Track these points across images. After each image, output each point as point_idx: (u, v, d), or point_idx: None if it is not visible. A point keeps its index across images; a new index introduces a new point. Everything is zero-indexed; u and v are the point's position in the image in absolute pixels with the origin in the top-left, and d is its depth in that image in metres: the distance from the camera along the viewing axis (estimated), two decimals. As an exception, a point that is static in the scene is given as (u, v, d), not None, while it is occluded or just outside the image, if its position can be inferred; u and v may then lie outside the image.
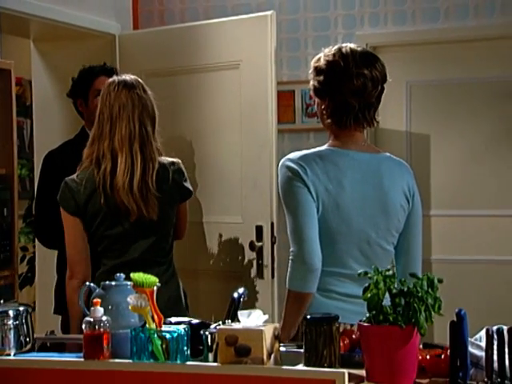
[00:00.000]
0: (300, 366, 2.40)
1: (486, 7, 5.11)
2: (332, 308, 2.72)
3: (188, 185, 3.49)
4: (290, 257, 2.90)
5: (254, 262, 4.41)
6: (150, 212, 3.29)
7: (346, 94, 2.91)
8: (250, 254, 4.44)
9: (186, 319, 2.68)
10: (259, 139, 4.50)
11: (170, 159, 3.43)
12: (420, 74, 5.31)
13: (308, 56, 5.43)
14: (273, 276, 4.37)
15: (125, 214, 3.31)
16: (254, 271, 4.42)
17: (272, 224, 4.44)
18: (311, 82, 3.02)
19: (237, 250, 4.50)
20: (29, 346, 2.61)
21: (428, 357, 2.37)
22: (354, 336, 2.63)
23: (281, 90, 5.47)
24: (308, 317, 2.44)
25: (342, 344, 2.59)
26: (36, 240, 4.72)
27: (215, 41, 4.71)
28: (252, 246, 4.43)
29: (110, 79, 3.40)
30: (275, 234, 4.43)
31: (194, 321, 2.67)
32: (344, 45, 3.00)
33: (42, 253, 5.00)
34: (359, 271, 2.41)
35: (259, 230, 4.43)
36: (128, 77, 3.38)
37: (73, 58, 5.08)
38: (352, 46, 2.99)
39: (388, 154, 3.10)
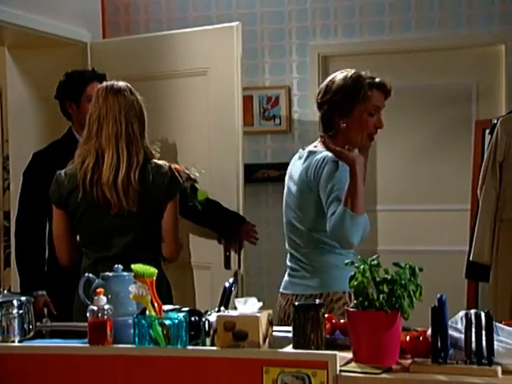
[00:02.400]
0: (290, 348, 2.38)
1: (426, 22, 5.16)
2: None
3: (174, 186, 3.28)
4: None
5: (222, 254, 4.38)
6: (130, 204, 3.16)
7: None
8: (218, 247, 4.39)
9: (177, 307, 2.63)
10: (226, 142, 4.45)
11: (160, 163, 3.28)
12: (367, 81, 5.32)
13: (265, 64, 5.44)
14: (239, 267, 4.34)
15: (105, 208, 3.22)
16: (221, 262, 4.38)
17: (238, 220, 4.42)
18: None
19: (206, 243, 4.46)
20: (32, 334, 2.54)
21: (408, 339, 2.37)
22: (334, 321, 2.62)
23: (240, 95, 5.49)
24: (296, 304, 2.42)
25: (324, 328, 2.57)
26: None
27: (185, 49, 4.64)
28: (219, 239, 4.39)
29: (100, 85, 3.32)
30: (241, 228, 4.40)
31: (184, 309, 2.62)
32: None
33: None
34: (346, 261, 2.40)
35: (226, 225, 4.40)
36: (116, 82, 3.31)
37: (47, 64, 4.96)
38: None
39: None
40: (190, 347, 2.30)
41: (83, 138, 3.26)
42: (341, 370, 2.20)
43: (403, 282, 2.27)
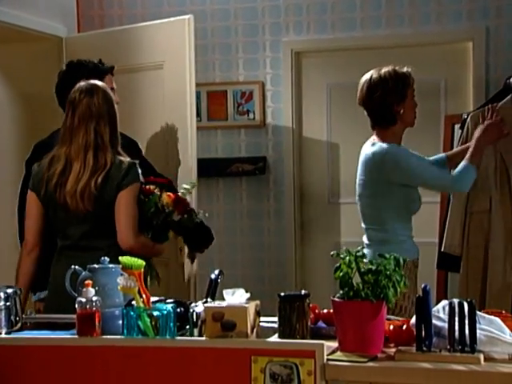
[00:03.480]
0: (276, 338, 2.37)
1: (396, 19, 5.18)
2: None
3: (128, 179, 3.22)
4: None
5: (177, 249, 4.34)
6: (86, 205, 3.19)
7: None
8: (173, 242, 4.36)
9: (162, 298, 2.62)
10: (181, 136, 4.42)
11: (123, 159, 3.26)
12: (339, 77, 5.34)
13: (239, 59, 5.42)
14: (192, 261, 4.31)
15: (64, 206, 3.23)
16: (176, 257, 4.36)
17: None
18: None
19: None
20: (19, 325, 2.51)
21: (391, 328, 2.38)
22: (317, 311, 2.63)
23: (214, 91, 5.46)
24: (282, 294, 2.42)
25: (308, 318, 2.58)
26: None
27: (143, 43, 4.58)
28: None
29: (77, 85, 3.28)
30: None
31: (169, 300, 2.61)
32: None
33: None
34: (331, 252, 2.40)
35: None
36: (93, 83, 3.27)
37: (21, 59, 4.90)
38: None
39: None
40: (178, 338, 2.29)
41: (58, 140, 3.26)
42: (328, 359, 2.20)
43: (388, 272, 2.27)
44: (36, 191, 3.29)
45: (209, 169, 5.34)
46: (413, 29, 5.17)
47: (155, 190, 3.29)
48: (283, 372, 2.19)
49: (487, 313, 2.44)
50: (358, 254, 2.32)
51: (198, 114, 5.43)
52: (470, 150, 3.52)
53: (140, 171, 3.25)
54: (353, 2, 5.24)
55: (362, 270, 2.31)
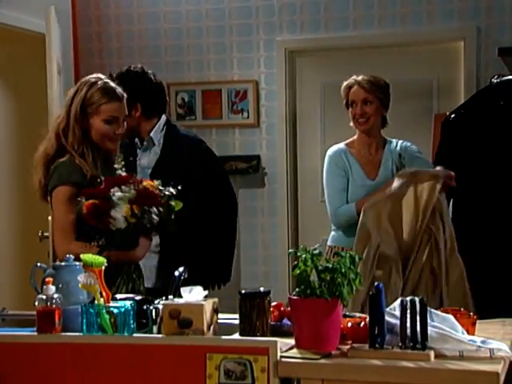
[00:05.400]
0: (236, 336, 2.38)
1: (388, 18, 5.18)
2: None
3: (52, 181, 3.02)
4: None
5: None
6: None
7: None
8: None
9: (130, 296, 2.63)
10: None
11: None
12: (333, 76, 5.32)
13: (233, 58, 5.43)
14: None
15: None
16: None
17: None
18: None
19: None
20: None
21: (349, 325, 2.37)
22: (282, 308, 2.63)
23: (208, 89, 5.47)
24: (243, 292, 2.42)
25: (272, 316, 2.58)
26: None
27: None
28: None
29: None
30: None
31: (138, 297, 2.61)
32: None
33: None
34: (289, 250, 2.40)
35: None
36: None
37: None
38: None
39: None
40: (135, 335, 2.30)
41: None
42: (281, 356, 2.20)
43: (343, 270, 2.27)
44: None
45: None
46: (405, 28, 5.17)
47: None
48: (237, 369, 2.19)
49: (446, 311, 2.44)
50: (314, 252, 2.31)
51: (193, 113, 5.47)
52: (374, 193, 3.62)
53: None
54: (346, 1, 5.24)
55: (320, 268, 2.31)
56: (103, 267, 2.37)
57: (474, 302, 3.38)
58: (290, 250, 2.39)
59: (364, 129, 3.82)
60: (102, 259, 2.37)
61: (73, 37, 5.45)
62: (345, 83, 3.92)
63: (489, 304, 3.35)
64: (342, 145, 3.88)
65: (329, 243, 3.84)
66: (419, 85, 5.21)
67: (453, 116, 4.19)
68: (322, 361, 2.19)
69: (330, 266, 2.29)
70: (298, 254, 2.33)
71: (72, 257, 2.55)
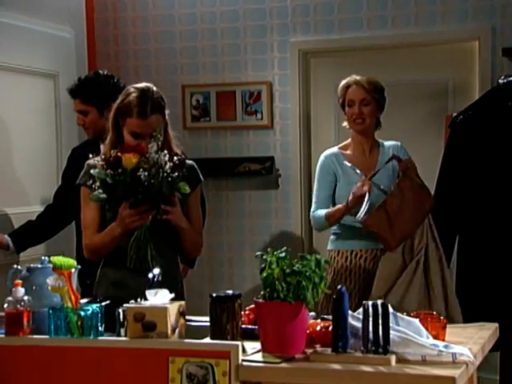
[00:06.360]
0: (207, 339, 2.37)
1: (402, 18, 5.11)
2: None
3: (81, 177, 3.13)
4: None
5: None
6: None
7: None
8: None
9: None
10: None
11: None
12: (346, 76, 5.23)
13: (247, 60, 5.41)
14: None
15: None
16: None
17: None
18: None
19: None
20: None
21: (318, 328, 2.35)
22: (258, 311, 2.60)
23: (223, 91, 5.47)
24: (213, 295, 2.41)
25: (247, 319, 2.57)
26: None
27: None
28: None
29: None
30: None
31: (107, 301, 2.60)
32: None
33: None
34: (257, 253, 2.38)
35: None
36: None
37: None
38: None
39: None
40: (100, 338, 2.31)
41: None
42: (243, 360, 2.19)
43: (308, 273, 2.25)
44: None
45: (217, 168, 5.36)
46: (419, 28, 5.09)
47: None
48: (199, 372, 2.19)
49: (418, 315, 2.40)
50: (280, 255, 2.29)
51: (208, 114, 5.47)
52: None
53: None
54: (359, 2, 5.18)
55: (287, 271, 2.29)
56: (72, 270, 2.38)
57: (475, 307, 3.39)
58: (258, 253, 2.37)
59: (360, 129, 3.78)
60: (72, 261, 2.38)
61: (89, 39, 5.49)
62: (342, 82, 3.89)
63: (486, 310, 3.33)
64: (335, 149, 3.86)
65: (328, 247, 3.82)
66: (433, 86, 5.13)
67: (460, 117, 4.12)
68: (283, 365, 2.17)
69: (296, 269, 2.27)
70: (264, 256, 2.31)
71: (46, 259, 2.56)
